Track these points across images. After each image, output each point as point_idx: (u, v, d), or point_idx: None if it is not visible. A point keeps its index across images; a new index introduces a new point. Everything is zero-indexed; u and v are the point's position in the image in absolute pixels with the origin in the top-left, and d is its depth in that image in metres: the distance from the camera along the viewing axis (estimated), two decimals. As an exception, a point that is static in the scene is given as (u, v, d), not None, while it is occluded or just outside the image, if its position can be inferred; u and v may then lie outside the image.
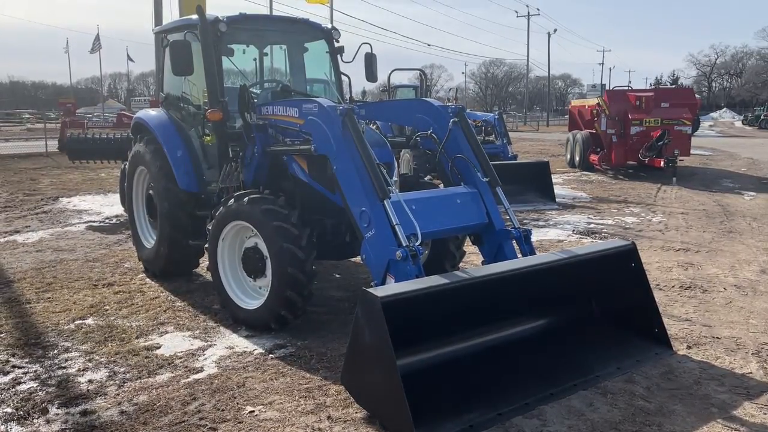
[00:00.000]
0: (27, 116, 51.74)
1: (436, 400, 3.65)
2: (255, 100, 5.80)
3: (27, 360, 4.68)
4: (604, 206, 11.85)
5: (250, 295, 5.39)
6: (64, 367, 4.53)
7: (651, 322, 4.76)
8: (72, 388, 4.21)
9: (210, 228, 5.49)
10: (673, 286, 6.44)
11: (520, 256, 4.87)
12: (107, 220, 10.41)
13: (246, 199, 5.18)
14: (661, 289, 6.33)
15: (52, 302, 6.04)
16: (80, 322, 5.50)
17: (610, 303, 4.71)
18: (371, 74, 6.96)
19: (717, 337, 5.00)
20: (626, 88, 18.89)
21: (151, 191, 6.81)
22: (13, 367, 4.55)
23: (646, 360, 4.48)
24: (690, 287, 6.41)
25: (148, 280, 6.80)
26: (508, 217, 5.05)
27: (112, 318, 5.59)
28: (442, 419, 3.55)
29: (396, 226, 4.34)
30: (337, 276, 7.00)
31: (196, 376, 4.38)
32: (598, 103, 17.29)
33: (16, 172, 17.24)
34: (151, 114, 6.84)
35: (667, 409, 3.81)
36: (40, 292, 6.36)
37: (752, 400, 3.92)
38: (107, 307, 5.89)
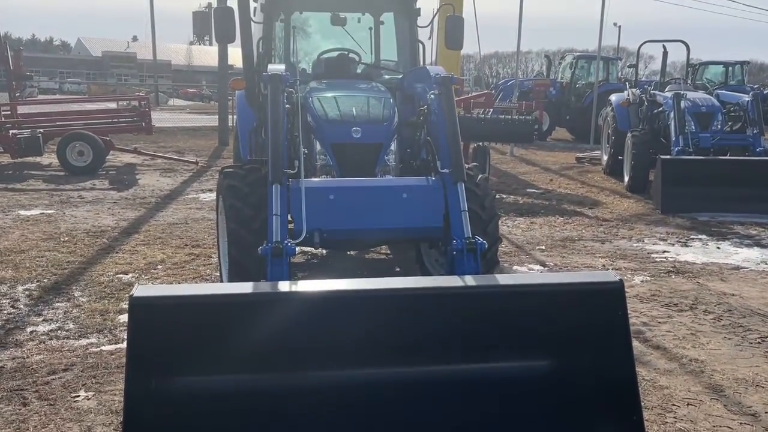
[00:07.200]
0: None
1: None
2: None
3: (28, 302, 5.15)
4: None
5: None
6: (39, 314, 4.88)
7: (621, 403, 3.17)
8: (9, 333, 4.51)
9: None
10: (812, 358, 4.24)
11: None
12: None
13: (224, 173, 4.91)
14: (786, 358, 4.22)
15: (132, 255, 6.58)
16: (119, 276, 5.87)
17: (567, 360, 3.25)
18: (455, 40, 5.96)
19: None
20: None
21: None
22: (13, 304, 5.07)
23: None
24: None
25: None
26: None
27: (145, 278, 5.86)
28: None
29: (274, 217, 3.63)
30: (398, 270, 6.26)
31: (106, 348, 4.32)
32: None
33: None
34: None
35: None
36: (137, 245, 6.98)
37: None
38: (158, 268, 6.19)
